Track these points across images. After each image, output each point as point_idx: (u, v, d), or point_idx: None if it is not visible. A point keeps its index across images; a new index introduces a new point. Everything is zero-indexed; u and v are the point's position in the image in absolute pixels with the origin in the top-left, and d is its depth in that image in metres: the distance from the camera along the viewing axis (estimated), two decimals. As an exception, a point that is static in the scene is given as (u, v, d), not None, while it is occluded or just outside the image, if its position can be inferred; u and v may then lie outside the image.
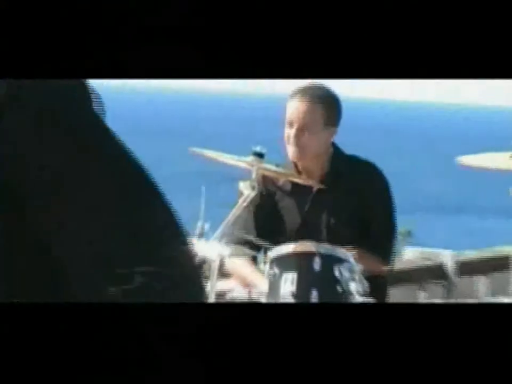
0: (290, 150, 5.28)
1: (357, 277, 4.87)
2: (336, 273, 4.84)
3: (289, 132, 5.26)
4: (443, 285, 5.71)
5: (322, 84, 5.40)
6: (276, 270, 4.87)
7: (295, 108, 5.27)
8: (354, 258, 4.94)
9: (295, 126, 5.24)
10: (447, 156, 5.90)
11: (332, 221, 5.24)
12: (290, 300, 4.79)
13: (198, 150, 5.10)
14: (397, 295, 5.44)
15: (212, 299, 4.75)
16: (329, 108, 5.32)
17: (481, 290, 6.44)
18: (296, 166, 5.32)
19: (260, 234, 5.28)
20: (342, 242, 5.06)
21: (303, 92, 5.29)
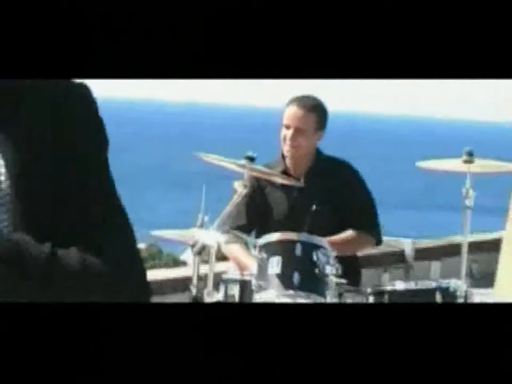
0: (286, 149, 5.31)
1: (331, 261, 4.88)
2: (314, 258, 4.85)
3: (286, 133, 5.28)
4: (403, 268, 5.72)
5: (314, 95, 5.46)
6: (264, 255, 4.88)
7: (292, 113, 5.29)
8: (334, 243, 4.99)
9: (292, 129, 5.26)
10: (410, 160, 5.87)
11: (314, 212, 5.24)
12: (276, 280, 4.81)
13: (200, 154, 5.11)
14: (365, 276, 5.46)
15: (210, 279, 4.76)
16: (320, 115, 5.35)
17: (435, 273, 6.45)
18: (285, 163, 5.35)
19: (250, 225, 5.31)
20: (323, 230, 5.09)
21: (299, 100, 5.33)
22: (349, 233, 5.28)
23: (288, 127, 5.28)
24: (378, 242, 5.47)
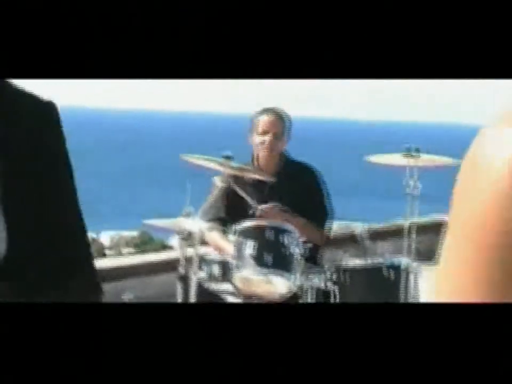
0: (263, 152, 5.31)
1: (298, 243, 4.91)
2: (283, 241, 4.87)
3: (265, 138, 5.28)
4: (356, 248, 5.72)
5: (277, 107, 5.47)
6: (241, 239, 4.89)
7: (270, 121, 5.29)
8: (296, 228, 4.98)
9: (271, 134, 5.27)
10: (360, 156, 5.88)
11: (282, 203, 5.24)
12: (251, 260, 4.83)
13: (185, 155, 5.11)
14: (325, 255, 5.47)
15: (195, 260, 4.77)
16: (287, 123, 5.36)
17: (383, 252, 6.47)
18: (258, 164, 5.35)
19: (228, 214, 5.31)
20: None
21: (271, 110, 5.37)
22: (305, 221, 5.29)
23: (266, 133, 5.27)
24: (327, 238, 5.47)
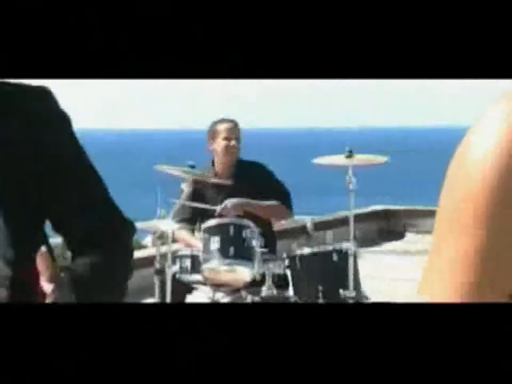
0: (228, 156, 5.26)
1: (256, 236, 4.91)
2: (243, 235, 4.86)
3: (228, 144, 5.24)
4: (306, 238, 5.74)
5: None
6: (207, 236, 4.88)
7: (231, 128, 5.26)
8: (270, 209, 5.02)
9: (234, 139, 5.24)
10: (307, 159, 5.89)
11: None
12: (217, 253, 4.82)
13: (158, 166, 5.08)
14: (279, 246, 5.48)
15: (169, 256, 4.76)
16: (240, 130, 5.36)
17: (330, 239, 6.49)
18: (215, 169, 5.30)
19: (195, 215, 5.30)
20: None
21: (228, 119, 5.34)
22: (274, 202, 5.26)
23: (229, 139, 5.24)
24: (292, 215, 5.46)
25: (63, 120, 1.67)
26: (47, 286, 1.49)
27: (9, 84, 1.62)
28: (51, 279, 1.49)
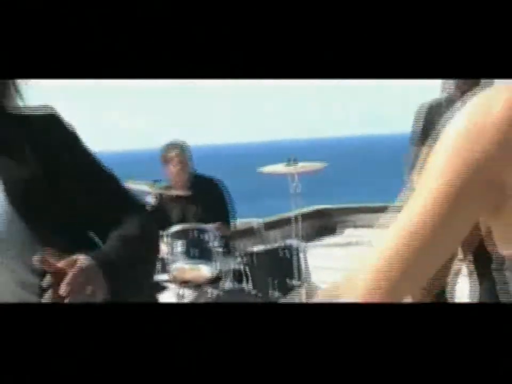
0: (180, 177, 5.21)
1: (216, 239, 4.91)
2: (205, 238, 4.86)
3: (178, 169, 5.19)
4: (256, 237, 5.76)
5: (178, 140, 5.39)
6: (172, 240, 4.85)
7: (177, 154, 5.21)
8: (215, 228, 4.97)
9: (182, 164, 5.19)
10: (254, 168, 5.92)
11: (198, 211, 5.21)
12: (182, 255, 4.80)
13: (127, 181, 5.04)
14: (236, 245, 5.49)
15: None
16: (188, 150, 5.34)
17: (277, 237, 6.53)
18: (176, 183, 5.27)
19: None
20: (205, 222, 5.09)
21: (175, 144, 5.28)
22: (217, 223, 5.25)
23: (178, 164, 5.20)
24: (232, 229, 5.45)
25: (74, 138, 1.66)
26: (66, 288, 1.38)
27: (20, 112, 1.61)
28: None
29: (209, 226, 4.93)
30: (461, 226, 0.87)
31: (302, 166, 5.55)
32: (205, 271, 4.86)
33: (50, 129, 1.63)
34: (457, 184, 0.86)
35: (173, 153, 5.25)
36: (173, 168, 5.23)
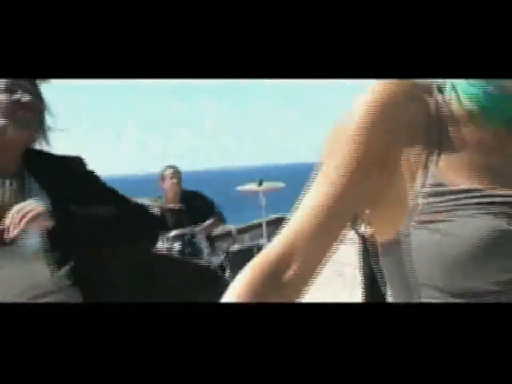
0: (174, 191, 5.35)
1: (204, 240, 5.13)
2: (195, 240, 5.07)
3: (173, 183, 5.34)
4: (233, 239, 5.99)
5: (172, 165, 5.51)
6: (171, 242, 5.06)
7: (172, 172, 5.35)
8: (213, 221, 5.15)
9: (175, 179, 5.35)
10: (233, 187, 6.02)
11: (190, 217, 5.31)
12: (179, 254, 4.97)
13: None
14: (218, 245, 5.60)
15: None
16: (179, 172, 5.46)
17: (249, 240, 6.69)
18: (170, 198, 5.40)
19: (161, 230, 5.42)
20: (201, 222, 5.22)
21: (171, 166, 5.43)
22: (213, 219, 5.39)
23: (172, 179, 5.36)
24: (224, 222, 5.60)
25: (92, 174, 1.77)
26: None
27: (50, 156, 1.68)
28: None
29: (199, 231, 5.11)
30: (345, 210, 0.83)
31: (266, 185, 5.87)
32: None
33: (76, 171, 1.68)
34: (345, 166, 0.83)
35: (168, 172, 5.42)
36: (168, 182, 5.36)
